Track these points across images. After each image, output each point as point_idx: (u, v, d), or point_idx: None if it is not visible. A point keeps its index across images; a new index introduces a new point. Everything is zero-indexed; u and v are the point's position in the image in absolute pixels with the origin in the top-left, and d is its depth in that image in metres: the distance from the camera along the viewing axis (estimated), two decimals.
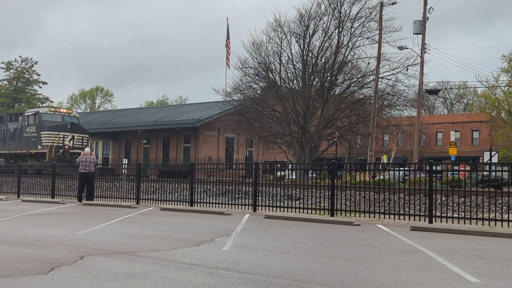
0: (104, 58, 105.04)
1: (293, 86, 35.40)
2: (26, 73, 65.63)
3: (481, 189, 14.17)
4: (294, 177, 22.60)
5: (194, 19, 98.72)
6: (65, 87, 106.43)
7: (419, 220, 12.34)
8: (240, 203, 15.76)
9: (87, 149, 20.48)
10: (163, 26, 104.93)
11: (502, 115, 45.58)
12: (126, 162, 23.51)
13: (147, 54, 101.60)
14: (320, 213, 14.05)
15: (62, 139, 31.16)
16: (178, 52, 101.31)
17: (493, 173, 14.55)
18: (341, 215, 13.64)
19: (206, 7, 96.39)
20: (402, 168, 16.81)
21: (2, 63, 64.87)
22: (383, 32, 33.70)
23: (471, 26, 71.54)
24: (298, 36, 36.85)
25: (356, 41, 36.69)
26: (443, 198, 14.25)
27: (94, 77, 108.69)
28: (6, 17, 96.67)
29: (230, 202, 15.96)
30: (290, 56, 37.31)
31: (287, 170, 22.34)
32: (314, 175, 23.90)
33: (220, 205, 15.93)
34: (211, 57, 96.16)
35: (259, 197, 15.64)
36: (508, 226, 11.38)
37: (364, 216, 13.31)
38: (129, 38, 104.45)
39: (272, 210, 14.87)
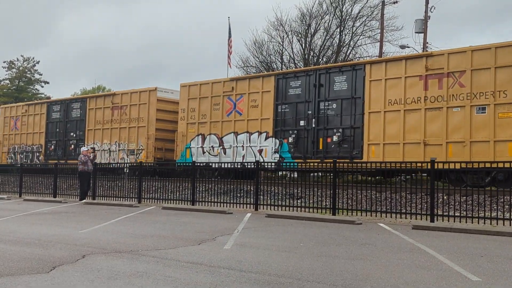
0: (113, 58, 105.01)
1: None
2: (28, 72, 65.68)
3: (483, 188, 14.15)
4: None
5: (209, 22, 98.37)
6: (69, 87, 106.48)
7: (421, 219, 12.35)
8: (241, 202, 15.77)
9: (84, 148, 20.65)
10: (176, 28, 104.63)
11: None
12: (127, 161, 23.47)
13: (159, 55, 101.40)
14: (321, 212, 14.05)
15: None
16: (190, 53, 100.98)
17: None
18: (342, 214, 13.64)
19: (222, 9, 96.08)
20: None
21: (4, 62, 65.04)
22: (384, 31, 33.70)
23: (481, 25, 71.41)
24: (300, 35, 36.97)
25: (358, 40, 36.84)
26: (445, 197, 14.24)
27: (101, 77, 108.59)
28: (15, 17, 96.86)
29: (231, 201, 15.98)
30: (292, 55, 37.44)
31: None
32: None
33: (222, 204, 15.95)
34: (219, 57, 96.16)
35: (261, 196, 15.66)
36: (510, 225, 11.37)
37: (366, 215, 13.32)
38: (143, 40, 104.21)
39: (274, 209, 14.88)
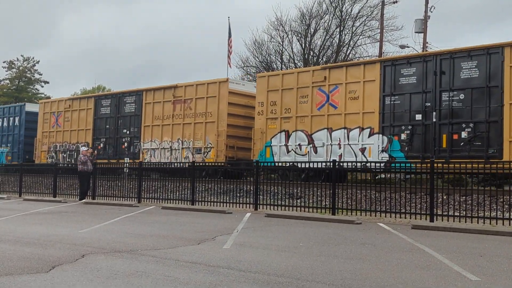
0: (113, 58, 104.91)
1: None
2: (28, 72, 65.73)
3: (482, 188, 14.15)
4: None
5: (209, 22, 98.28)
6: (70, 87, 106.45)
7: (420, 219, 12.35)
8: (241, 201, 15.77)
9: (84, 148, 20.67)
10: (176, 28, 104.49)
11: None
12: (127, 161, 23.44)
13: (159, 55, 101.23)
14: (321, 212, 14.06)
15: None
16: (191, 53, 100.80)
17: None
18: (342, 213, 13.65)
19: (222, 9, 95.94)
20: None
21: (4, 62, 65.12)
22: (384, 30, 33.74)
23: (482, 24, 71.24)
24: (300, 35, 37.04)
25: (358, 39, 36.89)
26: (444, 197, 14.24)
27: (102, 77, 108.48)
28: (15, 18, 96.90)
29: (231, 201, 15.98)
30: (292, 55, 37.50)
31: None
32: None
33: (222, 204, 15.95)
34: (220, 57, 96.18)
35: (260, 196, 15.65)
36: (510, 225, 11.38)
37: (366, 215, 13.32)
38: (142, 39, 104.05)
39: (273, 209, 14.88)
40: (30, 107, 30.86)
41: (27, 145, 29.57)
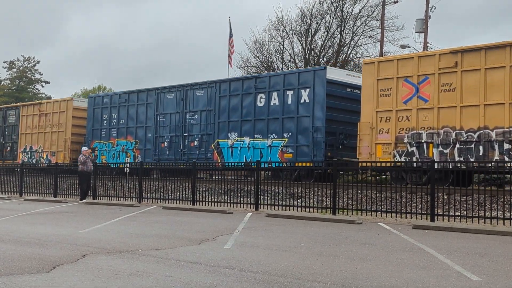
0: (117, 58, 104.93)
1: None
2: (29, 72, 65.78)
3: (483, 188, 14.15)
4: None
5: (213, 22, 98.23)
6: (72, 87, 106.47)
7: (421, 219, 12.35)
8: (242, 201, 15.77)
9: (85, 148, 20.69)
10: (180, 28, 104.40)
11: None
12: (128, 161, 23.44)
13: (162, 55, 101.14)
14: (322, 212, 14.05)
15: None
16: (194, 53, 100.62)
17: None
18: (343, 213, 13.65)
19: (224, 10, 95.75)
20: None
21: (4, 62, 65.22)
22: (385, 30, 33.74)
23: (483, 25, 71.00)
24: (300, 35, 37.05)
25: (358, 39, 36.89)
26: (445, 197, 14.24)
27: (105, 77, 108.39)
28: (21, 18, 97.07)
29: (232, 201, 15.98)
30: (292, 55, 37.51)
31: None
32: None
33: (222, 204, 15.95)
34: (223, 57, 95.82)
35: (261, 196, 15.66)
36: (510, 224, 11.37)
37: (366, 215, 13.32)
38: (146, 40, 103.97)
39: (274, 209, 14.88)
40: (332, 73, 19.73)
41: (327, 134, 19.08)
